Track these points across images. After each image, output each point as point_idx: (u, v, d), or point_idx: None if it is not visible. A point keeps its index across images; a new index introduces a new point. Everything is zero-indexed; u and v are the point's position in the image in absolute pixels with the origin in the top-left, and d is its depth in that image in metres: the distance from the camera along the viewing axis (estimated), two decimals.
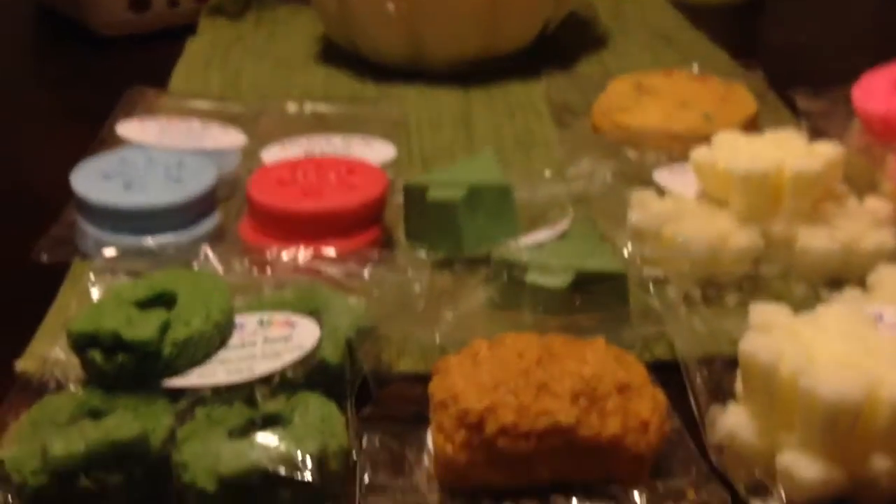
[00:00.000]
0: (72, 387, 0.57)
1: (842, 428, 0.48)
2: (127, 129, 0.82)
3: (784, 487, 0.49)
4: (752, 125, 0.89)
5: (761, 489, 0.51)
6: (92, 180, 0.71)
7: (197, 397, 0.54)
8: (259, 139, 0.85)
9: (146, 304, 0.57)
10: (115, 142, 0.82)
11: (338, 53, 1.11)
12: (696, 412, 0.55)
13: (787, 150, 0.71)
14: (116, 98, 0.91)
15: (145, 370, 0.54)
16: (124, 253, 0.67)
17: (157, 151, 0.76)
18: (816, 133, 0.83)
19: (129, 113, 0.88)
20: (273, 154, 0.81)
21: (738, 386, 0.55)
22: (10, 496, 0.50)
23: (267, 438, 0.50)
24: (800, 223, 0.69)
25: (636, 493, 0.48)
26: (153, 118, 0.85)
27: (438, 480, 0.51)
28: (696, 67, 0.98)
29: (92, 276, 0.65)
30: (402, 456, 0.53)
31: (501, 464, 0.50)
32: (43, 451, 0.49)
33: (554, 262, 0.62)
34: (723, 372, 0.58)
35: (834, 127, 0.85)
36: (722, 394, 0.57)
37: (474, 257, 0.70)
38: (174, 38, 1.16)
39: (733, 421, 0.52)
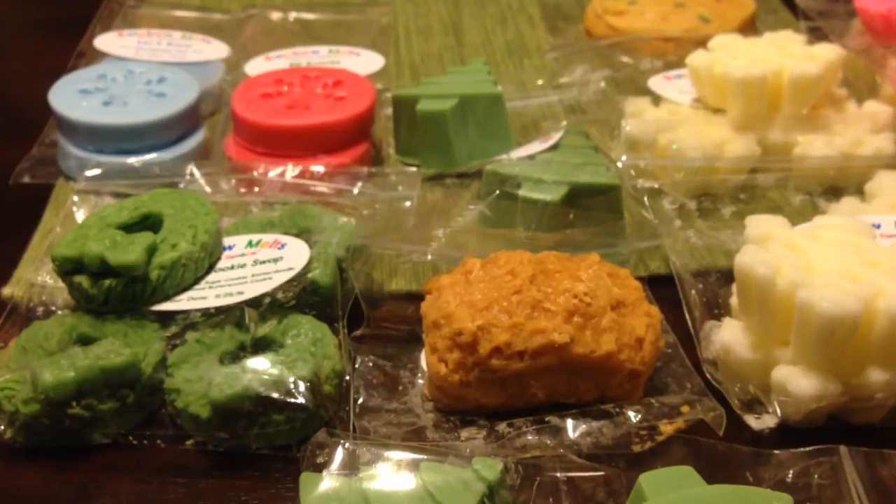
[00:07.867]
0: (60, 312, 0.56)
1: (838, 341, 0.47)
2: (105, 42, 0.79)
3: (778, 402, 0.49)
4: (751, 26, 0.86)
5: (756, 404, 0.51)
6: (70, 97, 0.69)
7: (187, 322, 0.53)
8: (243, 49, 0.83)
9: (132, 226, 0.56)
10: (93, 56, 0.80)
11: None
12: (690, 327, 0.55)
13: (786, 53, 0.69)
14: (94, 9, 0.88)
15: (133, 294, 0.53)
16: (108, 173, 0.65)
17: (138, 65, 0.73)
18: (816, 34, 0.81)
19: (107, 25, 0.85)
20: (257, 66, 0.78)
21: (734, 300, 0.55)
22: (2, 424, 0.49)
23: (259, 363, 0.49)
24: (797, 130, 0.68)
25: (631, 412, 0.48)
26: (132, 30, 0.82)
27: (432, 401, 0.51)
28: None
29: (75, 198, 0.64)
30: (395, 377, 0.52)
31: (496, 384, 0.49)
32: (33, 379, 0.48)
33: (547, 176, 0.60)
34: (718, 285, 0.58)
35: (834, 27, 0.83)
36: (717, 308, 0.56)
37: (466, 172, 0.68)
38: None
39: (728, 335, 0.52)
